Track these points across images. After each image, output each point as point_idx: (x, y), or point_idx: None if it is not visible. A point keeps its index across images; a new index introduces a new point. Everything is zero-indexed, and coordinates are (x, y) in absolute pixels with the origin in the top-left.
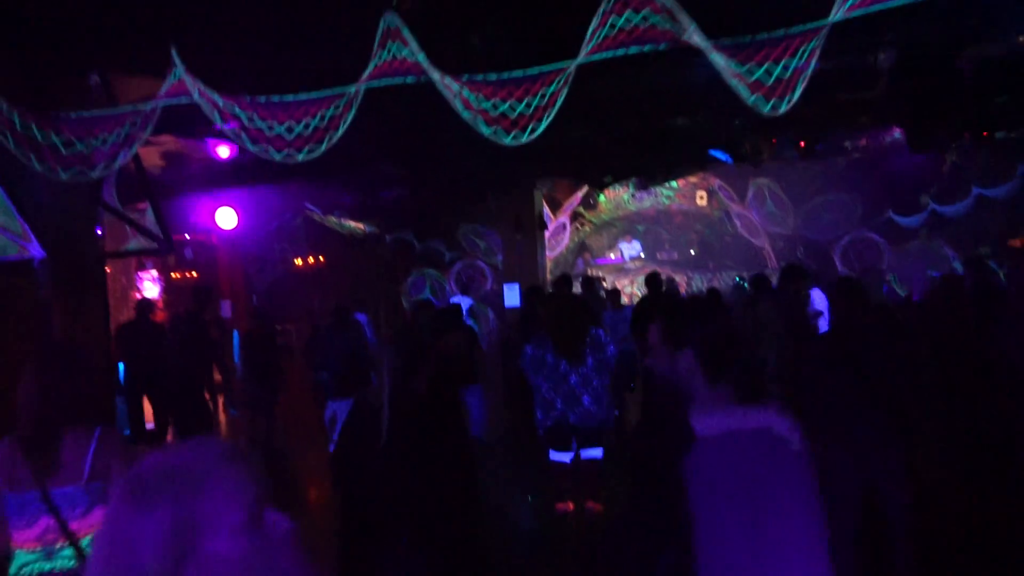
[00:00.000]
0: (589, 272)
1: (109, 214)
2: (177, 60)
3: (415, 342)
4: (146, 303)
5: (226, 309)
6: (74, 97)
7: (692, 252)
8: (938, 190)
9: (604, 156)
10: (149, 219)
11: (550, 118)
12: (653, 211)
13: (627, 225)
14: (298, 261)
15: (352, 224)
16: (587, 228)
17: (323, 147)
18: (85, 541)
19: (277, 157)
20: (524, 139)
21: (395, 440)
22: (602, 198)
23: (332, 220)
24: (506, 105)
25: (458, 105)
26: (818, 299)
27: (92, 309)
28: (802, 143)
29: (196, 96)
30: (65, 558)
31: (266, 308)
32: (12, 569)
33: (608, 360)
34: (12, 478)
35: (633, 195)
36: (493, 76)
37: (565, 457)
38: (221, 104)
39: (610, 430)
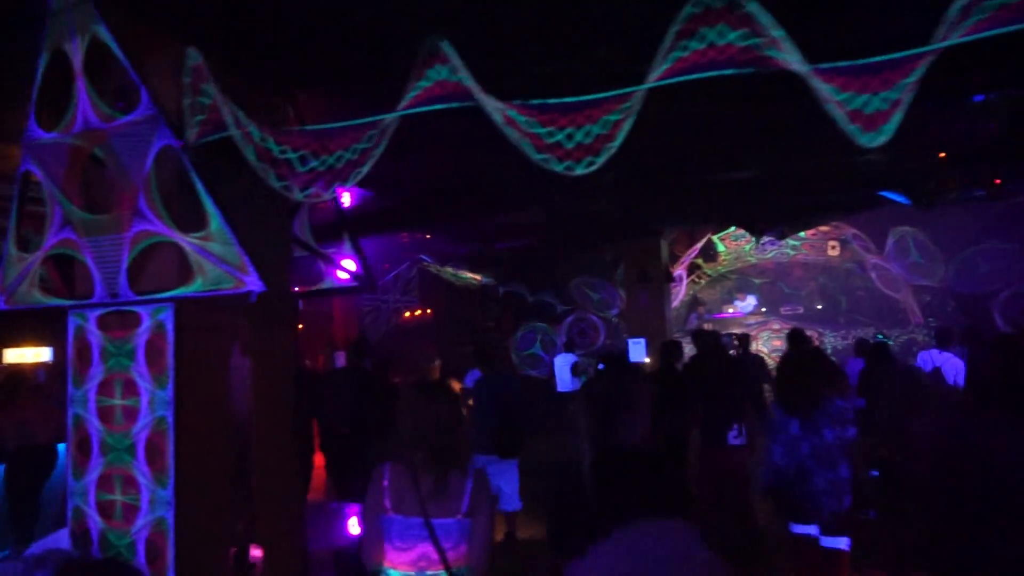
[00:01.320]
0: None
1: (301, 249)
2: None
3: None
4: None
5: (340, 360)
6: (280, 115)
7: (819, 307)
8: None
9: (759, 197)
10: (345, 255)
11: (611, 151)
12: (772, 263)
13: (742, 278)
14: (407, 313)
15: (468, 275)
16: (702, 281)
17: (349, 182)
18: (454, 571)
19: (299, 196)
20: (579, 171)
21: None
22: (722, 248)
23: (448, 271)
24: (562, 134)
25: (506, 129)
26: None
27: (283, 351)
28: (996, 180)
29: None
30: None
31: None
32: None
33: (848, 443)
34: (401, 501)
35: (757, 246)
36: (550, 100)
37: (811, 530)
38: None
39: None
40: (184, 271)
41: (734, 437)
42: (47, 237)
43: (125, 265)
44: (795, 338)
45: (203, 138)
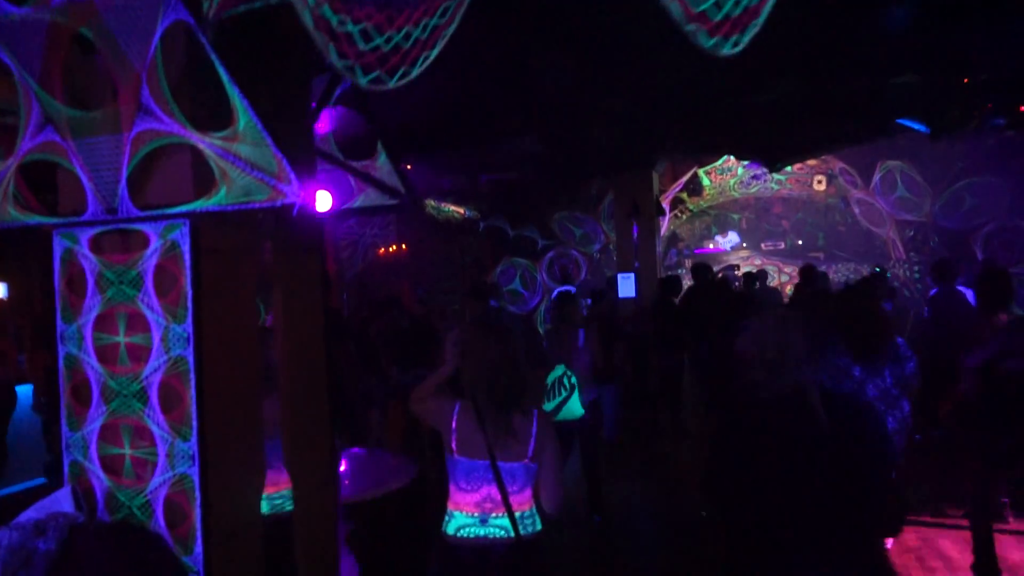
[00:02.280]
0: (689, 262)
1: (326, 162)
2: None
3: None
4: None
5: None
6: None
7: (799, 242)
8: None
9: (778, 124)
10: (381, 171)
11: (755, 30)
12: (752, 199)
13: (720, 214)
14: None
15: (451, 208)
16: (683, 216)
17: (415, 70)
18: (517, 516)
19: (362, 81)
20: (725, 50)
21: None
22: (707, 183)
23: (430, 204)
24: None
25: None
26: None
27: (312, 280)
28: (1022, 107)
29: None
30: (497, 527)
31: (358, 297)
32: (450, 528)
33: (909, 380)
34: (467, 443)
35: (742, 179)
36: None
37: None
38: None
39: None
40: (202, 180)
41: None
42: (21, 140)
43: (125, 173)
44: (807, 276)
45: (228, 9)
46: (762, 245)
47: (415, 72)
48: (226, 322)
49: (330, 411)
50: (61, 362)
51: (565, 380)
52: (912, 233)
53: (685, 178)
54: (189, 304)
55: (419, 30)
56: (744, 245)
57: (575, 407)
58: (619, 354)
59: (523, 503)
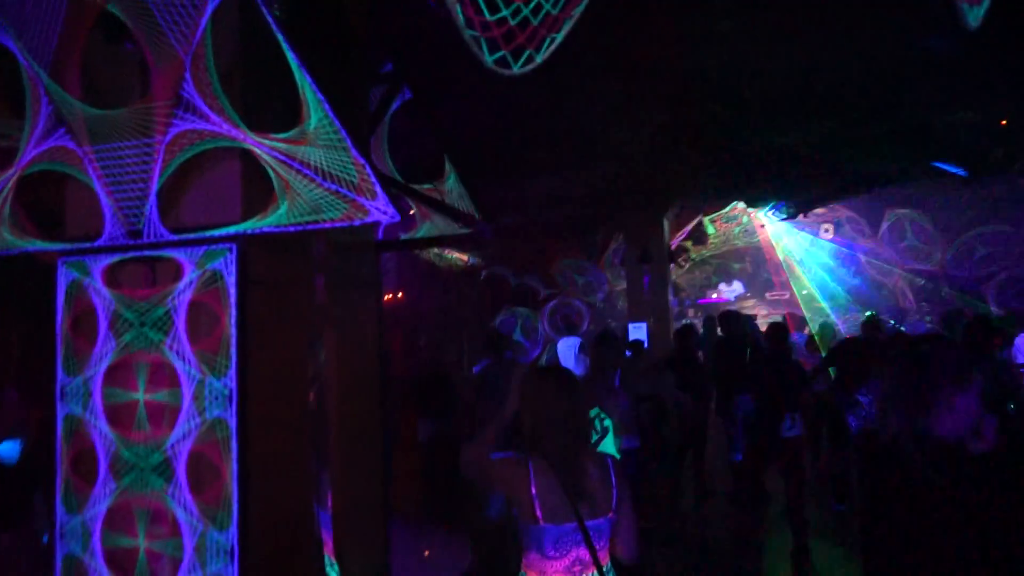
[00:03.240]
0: (691, 312)
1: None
2: None
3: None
4: None
5: None
6: None
7: (804, 292)
8: None
9: (811, 165)
10: (451, 195)
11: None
12: (752, 248)
13: (721, 264)
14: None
15: (454, 255)
16: (686, 266)
17: (541, 55)
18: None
19: (488, 59)
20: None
21: None
22: (712, 231)
23: (432, 251)
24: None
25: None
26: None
27: (368, 319)
28: None
29: None
30: None
31: None
32: None
33: None
34: (552, 508)
35: (747, 229)
36: None
37: None
38: None
39: None
40: (256, 194)
41: (787, 429)
42: (25, 146)
43: (155, 187)
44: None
45: None
46: (767, 295)
47: (541, 57)
48: (280, 372)
49: (383, 470)
50: (60, 424)
51: (597, 423)
52: (923, 282)
53: (691, 226)
54: (233, 351)
55: (549, 3)
56: (748, 294)
57: (609, 450)
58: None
59: (606, 558)
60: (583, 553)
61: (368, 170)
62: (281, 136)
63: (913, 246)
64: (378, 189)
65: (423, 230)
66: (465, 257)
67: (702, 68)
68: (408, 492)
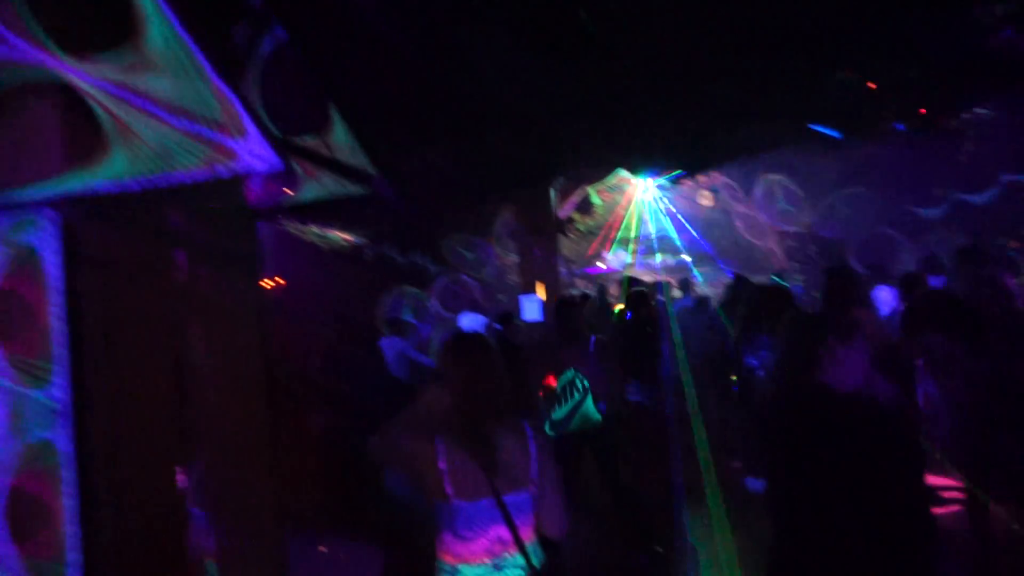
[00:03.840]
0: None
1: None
2: None
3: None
4: None
5: None
6: None
7: (686, 258)
8: (961, 178)
9: (697, 130)
10: (340, 150)
11: None
12: (632, 218)
13: (606, 233)
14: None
15: (337, 235)
16: (572, 237)
17: None
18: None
19: None
20: None
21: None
22: (597, 201)
23: (312, 231)
24: None
25: None
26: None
27: (248, 308)
28: (922, 110)
29: None
30: (514, 569)
31: None
32: None
33: None
34: (464, 483)
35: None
36: None
37: None
38: None
39: None
40: (81, 140)
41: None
42: None
43: None
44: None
45: None
46: (649, 262)
47: None
48: (131, 380)
49: (276, 476)
50: None
51: (578, 382)
52: (792, 244)
53: (577, 197)
54: (61, 354)
55: None
56: (634, 263)
57: (591, 411)
58: None
59: (529, 535)
60: (503, 531)
61: (234, 100)
62: (111, 60)
63: (783, 209)
64: (248, 125)
65: (310, 192)
66: (350, 237)
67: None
68: (312, 494)
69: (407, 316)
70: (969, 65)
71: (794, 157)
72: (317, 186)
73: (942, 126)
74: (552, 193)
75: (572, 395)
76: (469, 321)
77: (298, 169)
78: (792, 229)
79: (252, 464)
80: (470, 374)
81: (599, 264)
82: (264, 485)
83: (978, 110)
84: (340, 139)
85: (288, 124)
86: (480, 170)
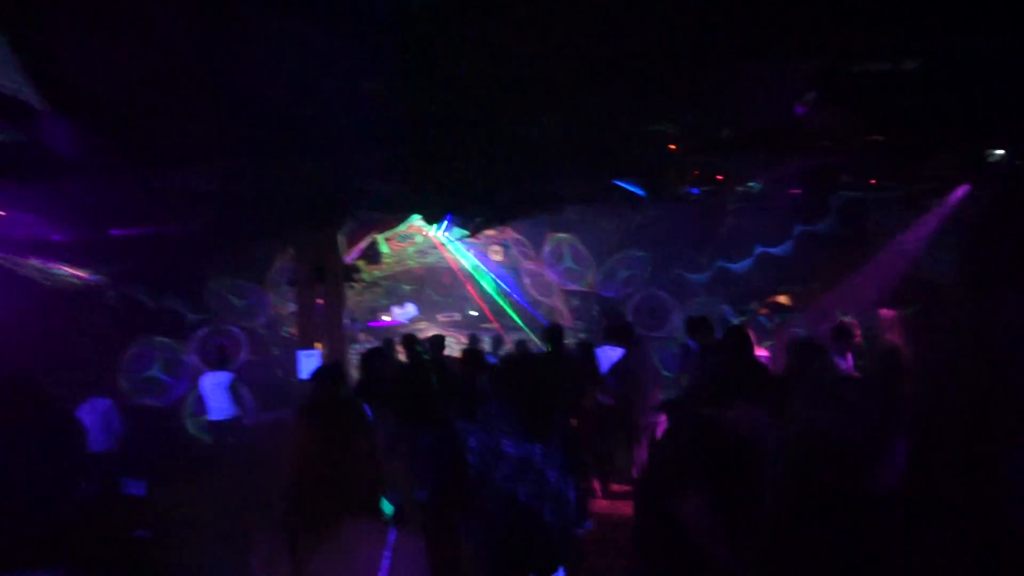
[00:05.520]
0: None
1: None
2: None
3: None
4: None
5: None
6: None
7: (474, 312)
8: (723, 247)
9: (466, 178)
10: None
11: None
12: (424, 270)
13: (392, 285)
14: None
15: (65, 271)
16: (357, 287)
17: None
18: None
19: None
20: None
21: None
22: (386, 250)
23: (32, 265)
24: None
25: None
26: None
27: None
28: (719, 176)
29: None
30: None
31: None
32: None
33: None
34: None
35: (421, 249)
36: None
37: None
38: None
39: None
40: None
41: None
42: None
43: None
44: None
45: None
46: (438, 317)
47: None
48: None
49: None
50: None
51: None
52: (577, 303)
53: (364, 244)
54: None
55: None
56: (421, 317)
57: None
58: None
59: None
60: None
61: None
62: None
63: (570, 268)
64: None
65: None
66: (83, 274)
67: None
68: None
69: (157, 371)
70: (767, 134)
71: (580, 218)
72: None
73: (733, 193)
74: (341, 238)
75: None
76: (213, 380)
77: None
78: (577, 288)
79: None
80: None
81: (385, 317)
82: None
83: (751, 183)
84: None
85: None
86: (257, 202)
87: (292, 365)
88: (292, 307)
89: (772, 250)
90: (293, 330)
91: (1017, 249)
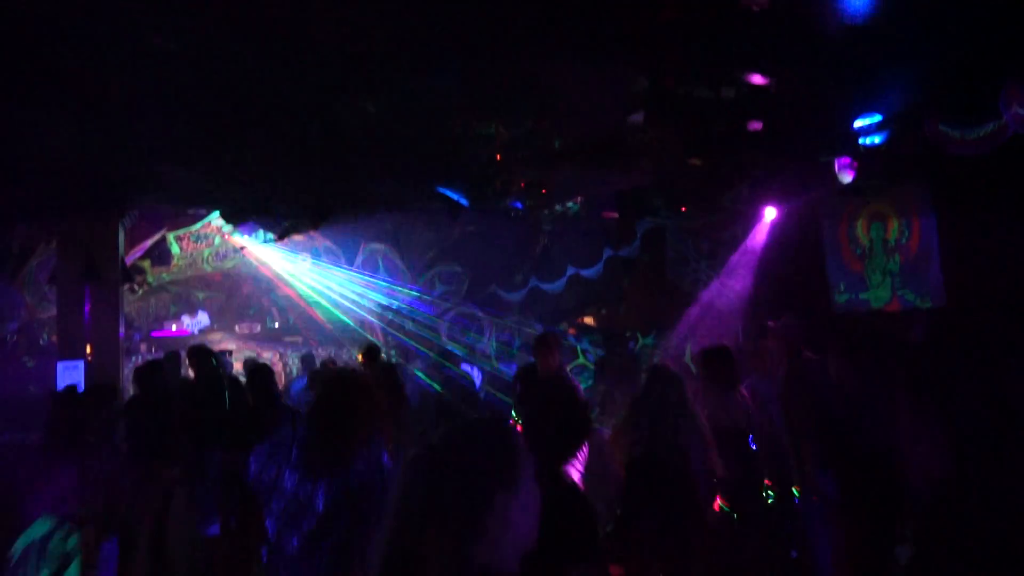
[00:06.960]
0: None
1: None
2: None
3: None
4: None
5: None
6: None
7: (276, 325)
8: (538, 267)
9: (276, 171)
10: None
11: None
12: (220, 276)
13: (183, 291)
14: None
15: None
16: (140, 291)
17: None
18: None
19: None
20: None
21: None
22: (176, 250)
23: None
24: None
25: None
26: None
27: None
28: (544, 191)
29: None
30: None
31: None
32: None
33: None
34: None
35: (218, 252)
36: None
37: None
38: None
39: None
40: None
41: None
42: None
43: None
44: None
45: None
46: (236, 328)
47: None
48: None
49: None
50: None
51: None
52: (391, 317)
53: (150, 241)
54: None
55: None
56: (215, 327)
57: None
58: None
59: None
60: None
61: None
62: None
63: (384, 280)
64: None
65: None
66: None
67: None
68: None
69: None
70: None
71: (396, 228)
72: None
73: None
74: (121, 232)
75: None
76: None
77: None
78: (391, 303)
79: None
80: None
81: (172, 326)
82: None
83: (570, 203)
84: None
85: None
86: (7, 176)
87: (51, 379)
88: (51, 310)
89: (583, 272)
90: (55, 338)
91: None
